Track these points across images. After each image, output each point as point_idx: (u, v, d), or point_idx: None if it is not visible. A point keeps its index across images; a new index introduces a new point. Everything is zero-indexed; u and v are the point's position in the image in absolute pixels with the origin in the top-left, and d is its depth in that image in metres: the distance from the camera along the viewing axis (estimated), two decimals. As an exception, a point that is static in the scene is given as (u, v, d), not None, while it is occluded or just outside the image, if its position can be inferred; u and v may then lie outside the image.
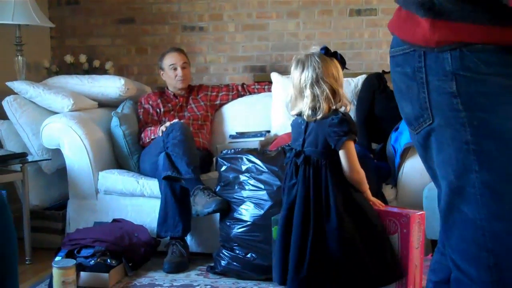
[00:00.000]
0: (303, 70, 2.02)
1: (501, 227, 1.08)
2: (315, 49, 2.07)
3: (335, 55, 2.07)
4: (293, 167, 2.04)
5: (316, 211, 1.96)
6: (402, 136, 2.85)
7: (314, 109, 2.02)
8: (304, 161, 2.01)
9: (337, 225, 1.93)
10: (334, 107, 2.02)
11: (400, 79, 1.23)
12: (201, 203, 2.73)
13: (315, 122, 2.03)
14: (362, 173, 2.06)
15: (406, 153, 2.84)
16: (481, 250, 1.10)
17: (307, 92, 2.01)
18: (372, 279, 1.96)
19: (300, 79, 2.03)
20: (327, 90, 1.99)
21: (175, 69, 3.46)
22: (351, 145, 2.01)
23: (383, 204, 2.15)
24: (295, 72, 2.06)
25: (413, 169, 2.82)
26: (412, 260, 2.04)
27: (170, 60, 3.48)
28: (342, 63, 2.09)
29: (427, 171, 1.27)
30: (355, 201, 2.02)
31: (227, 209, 2.73)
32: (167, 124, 3.14)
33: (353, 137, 2.01)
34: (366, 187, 2.08)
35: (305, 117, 2.04)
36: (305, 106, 2.03)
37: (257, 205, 2.65)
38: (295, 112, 2.09)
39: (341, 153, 2.00)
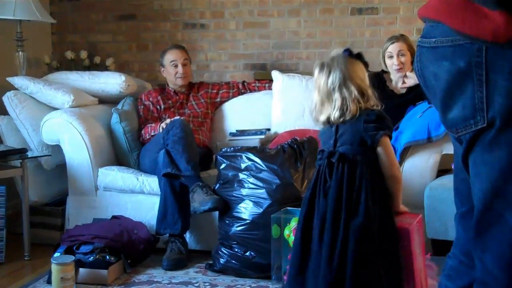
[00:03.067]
0: (330, 73, 1.96)
1: None
2: (337, 51, 2.02)
3: (358, 56, 2.03)
4: (327, 169, 1.95)
5: (347, 211, 1.88)
6: (402, 135, 2.86)
7: (342, 111, 1.95)
8: (338, 159, 1.93)
9: (362, 222, 1.85)
10: (364, 107, 1.96)
11: (448, 74, 1.10)
12: (198, 200, 2.73)
13: (346, 124, 1.96)
14: (400, 172, 2.01)
15: (406, 152, 2.85)
16: None
17: (336, 95, 1.95)
18: None
19: (328, 82, 1.96)
20: (355, 92, 1.94)
21: (175, 66, 3.46)
22: (388, 141, 1.96)
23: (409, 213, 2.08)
24: (320, 76, 1.99)
25: (413, 168, 2.82)
26: (417, 268, 2.00)
27: (171, 57, 3.48)
28: (365, 64, 2.04)
29: (459, 169, 1.19)
30: (387, 203, 1.95)
31: (223, 208, 2.72)
32: (168, 121, 3.14)
33: (389, 133, 1.97)
34: (400, 196, 2.01)
35: (332, 120, 1.97)
36: (334, 109, 1.96)
37: (256, 203, 2.65)
38: (323, 117, 2.00)
39: (380, 149, 1.94)
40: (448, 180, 2.70)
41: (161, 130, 3.13)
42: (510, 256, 1.07)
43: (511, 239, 1.06)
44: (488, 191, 1.08)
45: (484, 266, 1.12)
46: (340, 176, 1.92)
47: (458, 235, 1.31)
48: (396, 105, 3.02)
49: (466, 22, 1.05)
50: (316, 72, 2.02)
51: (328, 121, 2.01)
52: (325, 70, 1.99)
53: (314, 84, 2.03)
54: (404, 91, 3.21)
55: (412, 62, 3.18)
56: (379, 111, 1.99)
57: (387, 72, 3.28)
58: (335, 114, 1.96)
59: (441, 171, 2.88)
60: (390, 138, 2.00)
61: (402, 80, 3.20)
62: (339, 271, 1.85)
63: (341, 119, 1.96)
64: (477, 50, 1.04)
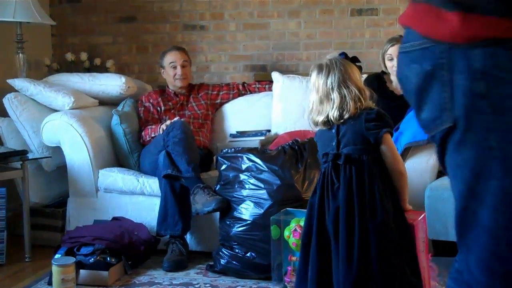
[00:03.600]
0: (329, 74, 1.99)
1: None
2: (333, 55, 2.06)
3: (354, 59, 2.06)
4: (333, 172, 1.96)
5: (361, 210, 1.89)
6: (402, 136, 2.86)
7: (341, 110, 1.97)
8: (345, 161, 1.94)
9: (382, 219, 1.87)
10: (363, 106, 1.98)
11: (417, 77, 1.12)
12: (201, 202, 2.73)
13: (346, 124, 1.98)
14: (405, 168, 2.03)
15: (406, 153, 2.85)
16: (494, 258, 1.05)
17: (335, 94, 1.97)
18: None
19: (327, 82, 1.99)
20: (356, 90, 1.97)
21: (174, 67, 3.46)
22: (390, 138, 1.99)
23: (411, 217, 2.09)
24: (319, 77, 2.02)
25: (413, 169, 2.81)
26: (421, 264, 2.03)
27: (170, 58, 3.48)
28: (360, 68, 2.07)
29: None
30: (397, 199, 1.97)
31: (226, 208, 2.73)
32: (168, 122, 3.15)
33: (391, 130, 1.99)
34: (406, 192, 2.01)
35: (332, 120, 1.99)
36: (332, 108, 1.98)
37: (257, 204, 2.66)
38: (321, 118, 2.02)
39: (383, 147, 1.97)
40: (448, 181, 2.70)
41: (161, 132, 3.13)
42: (487, 257, 1.06)
43: (485, 239, 1.06)
44: (463, 192, 1.10)
45: (468, 268, 1.11)
46: (348, 177, 1.93)
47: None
48: (396, 106, 3.02)
49: (428, 25, 1.07)
50: (315, 73, 2.04)
51: (326, 122, 2.02)
52: (324, 71, 2.02)
53: (312, 86, 2.05)
54: (404, 92, 3.21)
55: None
56: (379, 109, 2.01)
57: (387, 73, 3.28)
58: (334, 114, 1.98)
59: (441, 172, 2.89)
60: (392, 135, 2.02)
61: (402, 80, 3.21)
62: (359, 270, 1.86)
63: (341, 119, 1.98)
64: (439, 52, 1.05)
